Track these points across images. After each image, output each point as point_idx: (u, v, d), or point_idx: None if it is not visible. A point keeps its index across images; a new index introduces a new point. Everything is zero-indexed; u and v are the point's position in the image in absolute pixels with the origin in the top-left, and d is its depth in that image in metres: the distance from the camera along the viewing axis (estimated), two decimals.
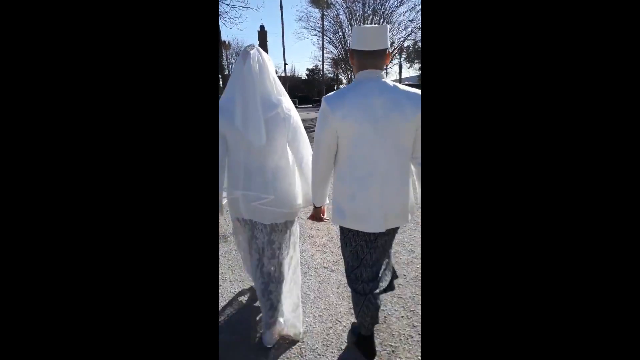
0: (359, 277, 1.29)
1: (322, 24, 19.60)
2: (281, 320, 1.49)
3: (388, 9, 16.42)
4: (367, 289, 1.27)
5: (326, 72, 37.10)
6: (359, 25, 14.98)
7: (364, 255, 1.27)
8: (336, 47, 19.25)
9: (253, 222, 1.38)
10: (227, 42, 36.68)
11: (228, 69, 36.52)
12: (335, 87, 37.14)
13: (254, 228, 1.39)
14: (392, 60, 19.16)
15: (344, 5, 16.92)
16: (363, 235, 1.23)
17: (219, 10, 10.19)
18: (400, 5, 16.46)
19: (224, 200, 1.42)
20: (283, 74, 37.81)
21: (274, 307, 1.44)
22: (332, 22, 18.13)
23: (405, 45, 18.10)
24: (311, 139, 1.26)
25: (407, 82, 31.67)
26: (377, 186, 1.14)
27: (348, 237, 1.27)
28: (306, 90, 38.33)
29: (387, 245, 1.30)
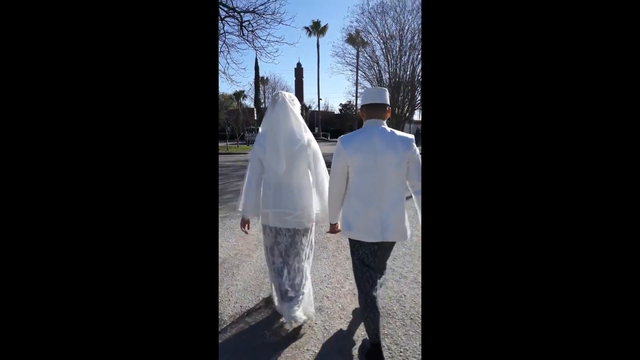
0: (368, 279, 1.53)
1: (357, 61, 19.63)
2: (297, 312, 1.67)
3: None
4: (373, 295, 1.49)
5: (359, 107, 37.21)
6: (395, 61, 14.63)
7: (369, 262, 1.55)
8: (371, 83, 18.97)
9: (277, 229, 1.70)
10: (265, 78, 38.47)
11: (265, 102, 38.18)
12: None
13: (278, 234, 1.71)
14: None
15: (381, 41, 16.78)
16: (367, 245, 1.52)
17: (256, 45, 10.25)
18: None
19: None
20: (317, 109, 38.42)
21: (290, 305, 1.67)
22: (368, 57, 18.00)
23: None
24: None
25: None
26: (375, 206, 1.45)
27: (355, 247, 1.56)
28: (339, 125, 38.51)
29: (384, 258, 1.64)
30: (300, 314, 1.69)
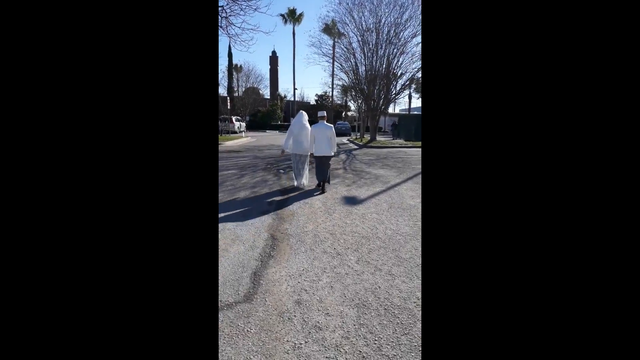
0: (318, 174, 5.63)
1: (333, 51, 19.57)
2: (302, 181, 5.80)
3: (403, 39, 16.25)
4: (321, 180, 5.57)
5: (335, 98, 37.23)
6: (372, 54, 14.69)
7: (320, 165, 5.56)
8: (347, 75, 19.01)
9: (297, 154, 5.72)
10: (239, 66, 37.46)
11: (239, 90, 37.30)
12: (343, 114, 37.18)
13: (296, 156, 5.75)
14: (403, 90, 19.14)
15: (357, 33, 16.80)
16: (318, 158, 5.54)
17: (230, 32, 9.94)
18: (414, 36, 16.26)
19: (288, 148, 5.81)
20: (292, 99, 38.01)
21: (300, 177, 5.79)
22: (345, 49, 17.99)
23: (419, 75, 17.70)
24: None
25: (415, 111, 31.84)
26: (321, 146, 5.48)
27: (315, 159, 5.60)
28: (314, 116, 38.39)
29: (325, 165, 5.51)
30: (304, 181, 5.79)
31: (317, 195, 5.23)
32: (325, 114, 5.74)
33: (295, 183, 5.80)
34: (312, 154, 5.62)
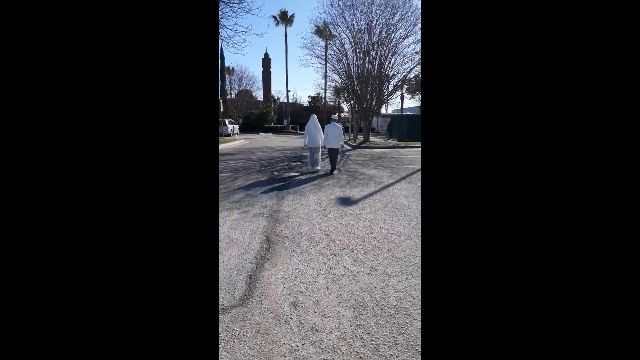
0: (331, 161, 7.83)
1: (326, 53, 19.61)
2: (317, 167, 8.07)
3: (394, 40, 16.35)
4: (333, 166, 7.81)
5: (328, 100, 37.28)
6: (364, 55, 14.75)
7: (331, 155, 7.80)
8: (340, 76, 19.05)
9: (312, 147, 8.00)
10: (231, 68, 37.27)
11: (231, 93, 37.15)
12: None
13: (311, 148, 8.03)
14: (395, 91, 19.24)
15: (349, 34, 16.85)
16: (329, 149, 7.77)
17: (222, 35, 9.90)
18: (405, 37, 16.35)
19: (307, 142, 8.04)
20: (285, 101, 37.93)
21: (315, 164, 8.07)
22: (337, 50, 18.02)
23: (411, 76, 17.79)
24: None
25: (408, 112, 32.03)
26: (331, 139, 7.70)
27: (328, 150, 7.85)
28: (308, 118, 38.37)
29: (335, 155, 7.74)
30: (318, 167, 8.02)
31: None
32: (336, 117, 8.49)
33: (311, 169, 7.96)
34: (324, 146, 7.92)
